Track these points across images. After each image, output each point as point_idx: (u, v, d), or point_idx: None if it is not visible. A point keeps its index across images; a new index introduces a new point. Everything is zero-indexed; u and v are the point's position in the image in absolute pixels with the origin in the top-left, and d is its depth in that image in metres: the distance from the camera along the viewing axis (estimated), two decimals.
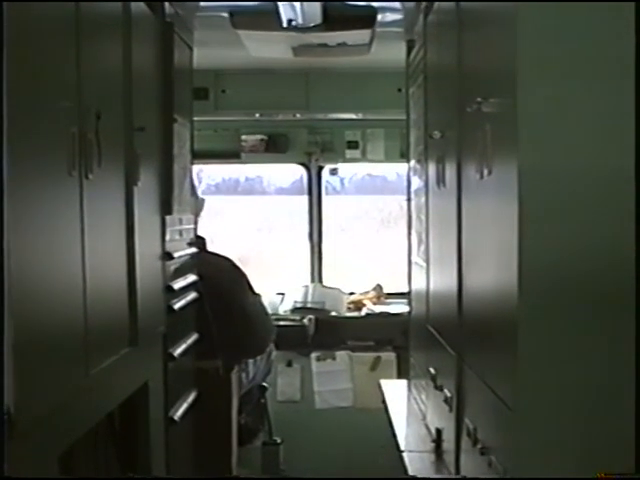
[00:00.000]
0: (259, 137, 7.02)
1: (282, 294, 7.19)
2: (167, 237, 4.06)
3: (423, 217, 4.16)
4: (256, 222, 8.17)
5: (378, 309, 7.04)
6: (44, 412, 2.38)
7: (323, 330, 6.80)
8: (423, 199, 4.15)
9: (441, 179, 3.53)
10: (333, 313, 6.98)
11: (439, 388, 3.51)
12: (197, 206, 5.51)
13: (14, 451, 2.19)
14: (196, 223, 5.28)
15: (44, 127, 2.41)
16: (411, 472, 3.42)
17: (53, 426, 2.50)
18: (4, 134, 2.10)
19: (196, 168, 5.12)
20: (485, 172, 2.62)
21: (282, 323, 6.55)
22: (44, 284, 2.42)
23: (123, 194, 3.30)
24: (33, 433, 2.30)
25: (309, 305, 6.96)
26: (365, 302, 7.16)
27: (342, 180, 7.91)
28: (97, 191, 2.87)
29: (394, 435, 4.03)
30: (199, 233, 5.41)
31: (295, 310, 6.97)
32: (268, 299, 6.31)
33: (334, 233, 7.66)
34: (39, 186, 2.37)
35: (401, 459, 3.64)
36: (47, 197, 2.44)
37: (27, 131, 2.28)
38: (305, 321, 6.75)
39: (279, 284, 7.36)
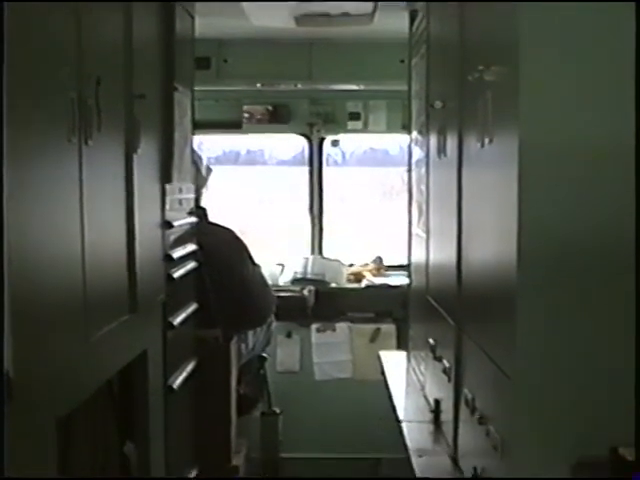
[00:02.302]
0: (261, 107, 7.01)
1: (282, 265, 7.19)
2: (167, 206, 4.05)
3: (424, 188, 4.15)
4: (257, 193, 8.16)
5: (378, 281, 7.04)
6: (43, 377, 2.38)
7: (323, 301, 6.82)
8: (424, 170, 4.14)
9: (442, 149, 3.52)
10: (333, 285, 6.99)
11: (438, 359, 3.52)
12: (201, 179, 5.51)
13: (13, 415, 2.19)
14: (198, 193, 5.28)
15: (43, 92, 2.40)
16: (409, 442, 3.43)
17: (52, 391, 2.50)
18: (4, 99, 2.08)
19: (196, 140, 5.10)
20: (486, 141, 2.62)
21: (282, 294, 6.55)
22: (43, 250, 2.42)
23: (123, 161, 3.28)
24: (32, 398, 2.30)
25: (309, 276, 6.96)
26: (365, 274, 7.17)
27: (344, 154, 7.89)
28: (96, 158, 2.86)
29: (393, 406, 4.04)
30: (201, 203, 5.41)
31: (295, 281, 6.98)
32: (268, 270, 6.31)
33: (335, 205, 7.66)
34: (38, 152, 2.36)
35: (400, 429, 3.65)
36: (46, 163, 2.43)
37: (26, 96, 2.26)
38: (305, 292, 6.76)
39: (279, 255, 7.37)
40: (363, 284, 7.04)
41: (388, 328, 6.79)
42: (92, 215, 2.78)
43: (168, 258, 4.07)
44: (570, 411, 2.24)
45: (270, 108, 7.05)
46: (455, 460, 3.13)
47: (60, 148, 2.52)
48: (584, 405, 2.24)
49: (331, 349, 6.82)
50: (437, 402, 3.56)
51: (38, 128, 2.36)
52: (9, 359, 2.13)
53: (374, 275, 7.17)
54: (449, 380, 3.25)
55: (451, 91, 3.31)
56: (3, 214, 2.09)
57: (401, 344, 6.25)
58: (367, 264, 7.30)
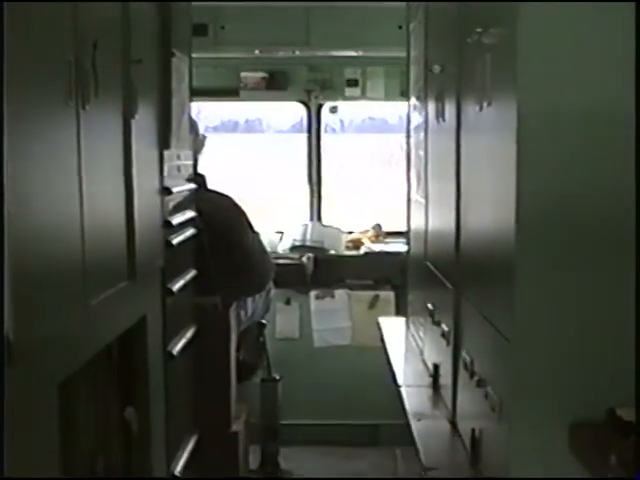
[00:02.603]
0: (259, 74, 6.98)
1: (281, 233, 7.19)
2: (165, 172, 4.04)
3: (422, 154, 4.15)
4: (255, 161, 8.16)
5: (377, 248, 7.05)
6: (43, 341, 2.38)
7: (322, 268, 6.82)
8: (422, 136, 4.14)
9: (440, 114, 3.52)
10: (332, 252, 7.00)
11: (437, 323, 3.53)
12: (198, 144, 5.49)
13: (13, 379, 2.20)
14: (196, 160, 5.27)
15: (40, 54, 2.38)
16: (408, 406, 3.45)
17: (52, 355, 2.51)
18: (4, 61, 2.08)
19: (194, 109, 5.09)
20: (484, 105, 2.61)
21: (281, 261, 6.56)
22: (41, 215, 2.42)
23: (120, 127, 3.27)
24: (32, 362, 2.31)
25: (308, 244, 6.97)
26: (364, 241, 7.17)
27: (342, 122, 7.86)
28: (94, 123, 2.85)
29: (392, 371, 4.06)
30: (199, 171, 5.40)
31: (294, 249, 6.98)
32: (267, 238, 6.31)
33: (333, 172, 7.65)
34: (35, 115, 2.35)
35: (399, 394, 3.67)
36: (44, 127, 2.42)
37: (23, 57, 2.25)
38: (304, 259, 6.77)
39: (278, 223, 7.37)
40: (362, 251, 7.05)
41: (387, 295, 6.80)
42: (91, 180, 2.78)
43: (167, 224, 4.07)
44: (568, 373, 2.25)
45: (268, 75, 7.01)
46: (454, 423, 3.15)
47: (57, 112, 2.51)
48: (582, 367, 2.25)
49: (330, 316, 6.84)
50: (436, 366, 3.58)
51: (35, 90, 2.35)
52: (9, 323, 2.14)
53: (373, 242, 7.17)
54: (448, 344, 3.27)
55: (450, 55, 3.30)
56: (2, 179, 2.09)
57: (400, 311, 6.26)
58: (366, 231, 7.30)
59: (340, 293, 6.84)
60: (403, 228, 5.14)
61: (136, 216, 3.38)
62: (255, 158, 8.12)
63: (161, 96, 4.04)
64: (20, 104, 2.22)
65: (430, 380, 3.63)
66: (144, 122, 3.60)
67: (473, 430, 2.71)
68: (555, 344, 2.24)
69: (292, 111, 7.47)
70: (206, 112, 7.68)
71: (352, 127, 8.10)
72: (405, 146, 4.93)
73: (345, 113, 7.61)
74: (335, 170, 7.74)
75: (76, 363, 2.79)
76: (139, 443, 3.70)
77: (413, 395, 3.58)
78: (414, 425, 3.20)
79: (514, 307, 2.26)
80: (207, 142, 5.74)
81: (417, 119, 4.48)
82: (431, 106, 3.81)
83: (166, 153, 4.05)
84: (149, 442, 3.83)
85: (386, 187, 7.69)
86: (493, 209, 2.56)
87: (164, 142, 4.04)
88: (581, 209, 2.23)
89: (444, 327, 3.34)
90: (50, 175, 2.48)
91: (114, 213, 3.22)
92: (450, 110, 3.32)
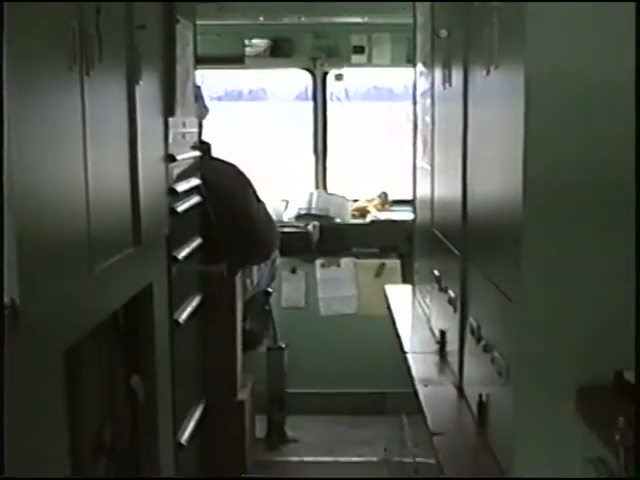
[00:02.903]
0: (263, 42, 6.94)
1: (286, 201, 7.17)
2: (170, 139, 4.02)
3: (428, 120, 4.12)
4: (260, 129, 8.13)
5: (383, 216, 7.03)
6: (49, 307, 2.38)
7: (327, 237, 6.81)
8: (429, 101, 4.11)
9: (447, 79, 3.49)
10: (337, 220, 6.98)
11: (443, 290, 3.52)
12: (202, 111, 5.46)
13: (20, 345, 2.20)
14: (200, 128, 5.24)
15: (43, 20, 2.37)
16: (415, 373, 3.45)
17: (58, 322, 2.51)
18: (4, 26, 2.06)
19: (198, 77, 5.07)
20: (492, 68, 2.59)
21: (286, 230, 6.54)
22: (47, 180, 2.41)
23: (125, 93, 3.26)
24: (38, 327, 2.31)
25: (313, 212, 6.94)
26: (370, 209, 7.15)
27: (347, 92, 7.82)
28: (99, 89, 2.83)
29: (399, 338, 4.05)
30: (204, 139, 5.38)
31: (299, 217, 6.96)
32: (272, 206, 6.29)
33: (339, 140, 7.62)
34: (39, 80, 2.33)
35: (405, 361, 3.67)
36: (48, 92, 2.40)
37: (27, 23, 2.24)
38: (309, 228, 6.75)
39: (283, 191, 7.35)
40: (368, 219, 7.03)
41: (393, 263, 6.78)
42: (95, 147, 2.77)
43: (172, 192, 4.06)
44: (575, 337, 2.24)
45: (272, 42, 6.97)
46: (460, 389, 3.15)
47: (62, 77, 2.49)
48: (589, 330, 2.24)
49: (336, 284, 6.83)
50: (442, 333, 3.57)
51: (39, 56, 2.34)
52: (15, 288, 2.14)
53: (379, 210, 7.15)
54: (454, 310, 3.26)
55: (457, 20, 3.27)
56: (4, 143, 2.08)
57: (406, 279, 6.25)
58: (372, 199, 7.28)
59: (346, 261, 6.83)
60: (409, 196, 5.11)
61: (141, 183, 3.37)
62: (260, 126, 8.09)
63: (165, 63, 4.02)
64: (24, 69, 2.21)
65: (437, 347, 3.63)
66: (149, 89, 3.59)
67: (480, 395, 2.71)
68: (562, 308, 2.24)
69: (296, 80, 7.42)
70: (210, 82, 7.64)
71: (357, 96, 8.04)
72: (411, 114, 4.89)
73: (350, 83, 7.54)
74: (341, 138, 7.70)
75: (82, 330, 2.80)
76: (145, 411, 3.71)
77: (420, 362, 3.57)
78: (421, 391, 3.19)
79: (521, 272, 2.25)
80: (212, 110, 5.72)
81: (423, 85, 4.44)
82: (438, 72, 3.78)
83: (171, 120, 4.04)
84: (155, 410, 3.84)
85: (392, 155, 7.67)
86: (500, 176, 2.54)
87: (169, 109, 4.03)
88: (587, 175, 2.22)
89: (451, 294, 3.33)
90: (55, 141, 2.47)
91: (119, 180, 3.21)
92: (457, 75, 3.29)
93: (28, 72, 2.24)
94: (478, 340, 2.76)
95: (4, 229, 2.05)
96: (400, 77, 7.34)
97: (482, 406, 2.71)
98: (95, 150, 2.76)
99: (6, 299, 2.12)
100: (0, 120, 2.03)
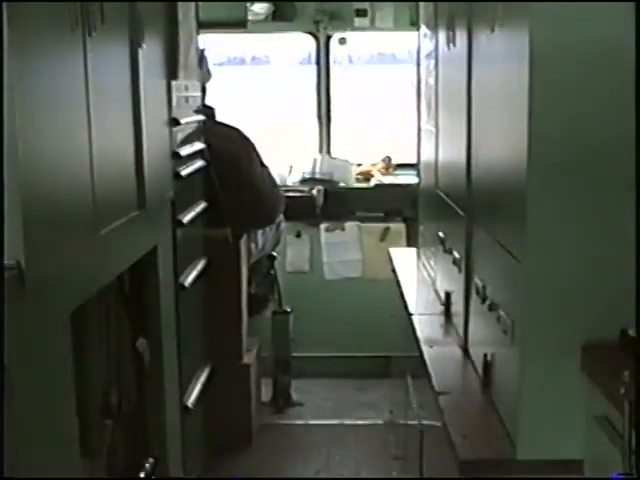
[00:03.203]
0: (266, 5, 6.89)
1: (290, 166, 7.16)
2: (174, 103, 4.01)
3: (432, 81, 4.10)
4: (264, 94, 8.10)
5: (387, 180, 7.02)
6: (54, 269, 2.39)
7: (332, 201, 6.80)
8: (433, 63, 4.09)
9: (451, 39, 3.47)
10: (341, 184, 6.96)
11: (448, 251, 3.52)
12: (205, 75, 5.44)
13: (25, 307, 2.21)
14: (204, 92, 5.23)
15: None
16: (420, 335, 3.45)
17: (64, 284, 2.51)
18: None
19: (201, 43, 5.04)
20: (496, 26, 2.57)
21: (290, 194, 6.54)
22: (51, 143, 2.41)
23: (128, 56, 3.25)
24: (44, 290, 2.31)
25: (317, 176, 6.93)
26: (374, 173, 7.14)
27: (350, 58, 7.77)
28: (101, 51, 2.82)
29: (404, 301, 4.05)
30: (207, 103, 5.36)
31: (303, 181, 6.95)
32: (276, 170, 6.27)
33: (343, 105, 7.58)
34: (41, 40, 2.32)
35: (410, 322, 3.67)
36: (50, 53, 2.40)
37: None
38: (314, 192, 6.74)
39: (287, 155, 7.33)
40: (372, 183, 7.01)
41: (397, 227, 6.78)
42: (99, 109, 2.76)
43: (176, 156, 4.05)
44: (581, 295, 2.24)
45: (275, 6, 6.92)
46: (465, 350, 3.15)
47: (63, 37, 2.48)
48: (594, 289, 2.24)
49: (341, 248, 6.83)
50: (447, 295, 3.57)
51: (40, 15, 2.32)
52: (21, 251, 2.14)
53: (383, 174, 7.14)
54: (459, 271, 3.26)
55: None
56: (6, 105, 2.07)
57: (410, 243, 6.25)
58: (376, 163, 7.27)
59: (350, 225, 6.82)
60: (413, 160, 5.10)
61: (145, 146, 3.37)
62: (264, 91, 8.06)
63: (168, 26, 4.00)
64: (25, 28, 2.20)
65: (442, 308, 3.63)
66: (151, 52, 3.57)
67: (485, 355, 2.71)
68: (567, 266, 2.24)
69: (299, 46, 7.36)
70: (213, 48, 7.59)
71: (360, 62, 7.99)
72: (415, 79, 4.86)
73: (353, 49, 7.49)
74: (344, 103, 7.67)
75: (87, 293, 2.80)
76: (151, 374, 3.72)
77: (425, 323, 3.58)
78: (426, 352, 3.20)
79: (526, 232, 2.25)
80: (215, 75, 5.69)
81: (427, 47, 4.42)
82: (442, 33, 3.76)
83: (174, 84, 4.03)
84: (161, 373, 3.86)
85: (395, 119, 7.64)
86: (505, 137, 2.53)
87: (172, 72, 4.01)
88: (591, 137, 2.21)
89: (455, 254, 3.33)
90: (57, 103, 2.46)
91: (123, 142, 3.20)
92: (461, 37, 3.27)
93: (30, 32, 2.23)
94: (483, 300, 2.76)
95: (4, 188, 2.04)
96: (403, 43, 7.27)
97: (487, 366, 2.72)
98: (98, 112, 2.76)
99: (12, 261, 2.13)
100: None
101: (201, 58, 5.08)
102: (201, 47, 5.13)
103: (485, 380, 2.75)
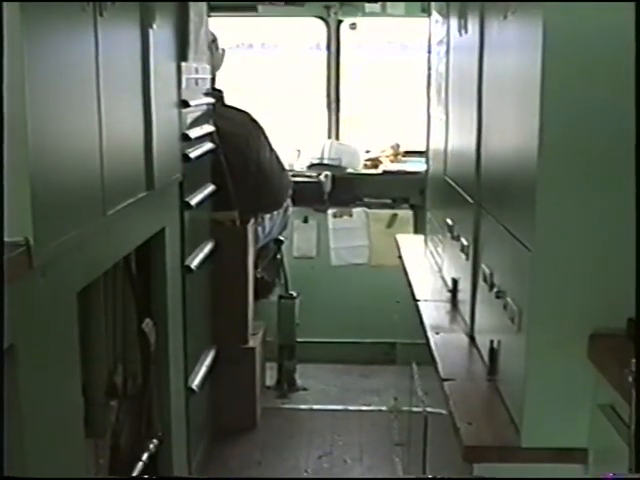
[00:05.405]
0: None
1: (298, 151, 7.15)
2: (183, 85, 4.01)
3: (443, 68, 4.09)
4: (273, 79, 8.08)
5: (395, 167, 7.01)
6: (62, 248, 2.39)
7: (339, 187, 6.79)
8: (444, 50, 4.07)
9: (463, 26, 3.46)
10: (349, 170, 6.95)
11: (456, 238, 3.52)
12: (217, 59, 5.43)
13: (33, 285, 2.21)
14: (214, 75, 5.22)
15: None
16: (426, 320, 3.45)
17: (71, 263, 2.51)
18: None
19: (212, 27, 5.03)
20: (509, 14, 2.56)
21: (298, 179, 6.53)
22: (60, 122, 2.40)
23: (139, 37, 3.24)
24: (52, 268, 2.31)
25: (325, 162, 6.92)
26: (382, 160, 7.13)
27: (360, 45, 7.75)
28: (112, 31, 2.82)
29: (410, 287, 4.05)
30: (217, 87, 5.35)
31: (311, 166, 6.94)
32: (284, 155, 6.27)
33: (352, 91, 7.56)
34: (52, 19, 2.32)
35: (417, 309, 3.67)
36: (61, 33, 2.39)
37: None
38: (322, 178, 6.73)
39: (296, 140, 7.31)
40: (380, 170, 7.00)
41: (405, 214, 6.77)
42: (109, 89, 2.76)
43: (185, 138, 4.05)
44: (588, 283, 2.24)
45: None
46: (472, 337, 3.15)
47: (74, 17, 2.48)
48: (602, 277, 2.23)
49: (348, 234, 6.82)
50: (455, 281, 3.57)
51: None
52: (29, 228, 2.15)
53: (391, 161, 7.13)
54: (467, 258, 3.25)
55: None
56: None
57: (418, 230, 6.25)
58: (384, 150, 7.25)
59: (358, 212, 6.81)
60: (421, 147, 5.09)
61: (154, 127, 3.37)
62: (274, 76, 8.03)
63: (178, 8, 3.99)
64: (37, 7, 2.19)
65: (449, 295, 3.63)
66: (162, 33, 3.57)
67: (491, 342, 2.70)
68: (576, 254, 2.23)
69: (310, 31, 7.33)
70: (221, 34, 7.57)
71: (371, 49, 7.98)
72: (425, 68, 4.84)
73: (363, 38, 7.46)
74: (354, 89, 7.64)
75: (95, 272, 2.81)
76: (157, 356, 3.73)
77: (431, 309, 3.57)
78: (432, 338, 3.19)
79: (535, 219, 2.24)
80: (225, 58, 5.68)
81: (439, 34, 4.40)
82: (453, 20, 3.74)
83: (184, 65, 4.02)
84: (167, 355, 3.87)
85: (405, 107, 7.61)
86: (516, 125, 2.52)
87: (182, 54, 4.01)
88: (603, 127, 2.20)
89: (463, 241, 3.32)
90: (67, 82, 2.46)
91: (132, 123, 3.20)
92: (473, 23, 3.26)
93: (41, 11, 2.22)
94: (490, 287, 2.76)
95: (3, 166, 2.03)
96: (414, 32, 7.24)
97: (493, 353, 2.72)
98: (109, 92, 2.75)
99: (20, 238, 2.13)
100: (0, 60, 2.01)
101: (212, 42, 5.07)
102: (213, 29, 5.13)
103: (491, 367, 2.74)
